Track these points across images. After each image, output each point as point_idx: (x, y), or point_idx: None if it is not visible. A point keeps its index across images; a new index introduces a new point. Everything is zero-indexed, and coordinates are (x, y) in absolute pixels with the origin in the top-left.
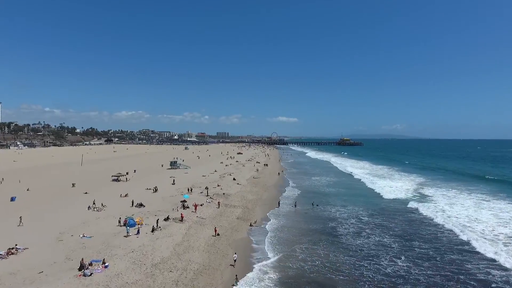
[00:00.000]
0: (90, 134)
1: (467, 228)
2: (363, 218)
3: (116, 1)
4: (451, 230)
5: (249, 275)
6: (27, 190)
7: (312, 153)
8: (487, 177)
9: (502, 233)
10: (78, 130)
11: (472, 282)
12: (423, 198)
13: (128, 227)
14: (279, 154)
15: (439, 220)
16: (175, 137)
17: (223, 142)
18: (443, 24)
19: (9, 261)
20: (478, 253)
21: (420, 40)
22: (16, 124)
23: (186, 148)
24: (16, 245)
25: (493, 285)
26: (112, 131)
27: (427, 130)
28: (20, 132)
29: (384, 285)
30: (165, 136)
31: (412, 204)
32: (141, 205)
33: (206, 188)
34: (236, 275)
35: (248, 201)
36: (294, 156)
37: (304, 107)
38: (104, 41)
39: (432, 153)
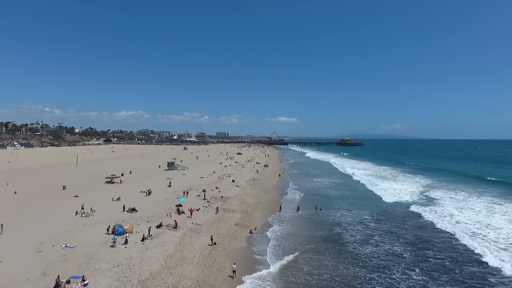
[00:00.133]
0: (89, 134)
1: (479, 235)
2: (369, 223)
3: (116, 1)
4: (465, 238)
5: None
6: (15, 193)
7: (312, 154)
8: (491, 178)
9: None
10: (77, 130)
11: None
12: (430, 201)
13: (115, 236)
14: (279, 155)
15: (451, 226)
16: (175, 137)
17: (222, 142)
18: (443, 24)
19: None
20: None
21: (420, 40)
22: (14, 124)
23: (185, 149)
24: None
25: None
26: (111, 131)
27: (427, 130)
28: (17, 132)
29: None
30: (165, 136)
31: (419, 208)
32: (133, 210)
33: (204, 190)
34: None
35: (247, 205)
36: (294, 156)
37: (304, 107)
38: (104, 41)
39: (433, 154)
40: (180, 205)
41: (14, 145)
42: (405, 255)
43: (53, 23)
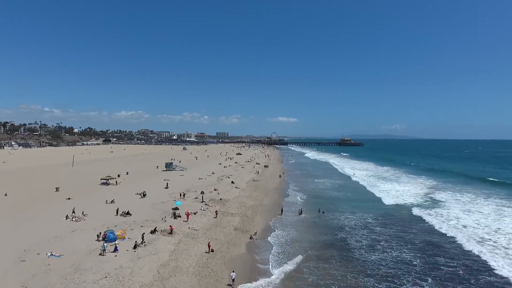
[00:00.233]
0: (88, 134)
1: (489, 241)
2: (374, 228)
3: (116, 1)
4: (475, 244)
5: None
6: (5, 195)
7: (313, 154)
8: (496, 179)
9: None
10: (76, 130)
11: None
12: (435, 203)
13: (105, 243)
14: (280, 155)
15: (458, 230)
16: (174, 137)
17: (222, 142)
18: (443, 24)
19: None
20: None
21: (420, 40)
22: (12, 124)
23: (184, 149)
24: None
25: None
26: (110, 131)
27: (426, 130)
28: (16, 132)
29: None
30: (164, 136)
31: (425, 211)
32: (127, 213)
33: (202, 192)
34: None
35: (247, 207)
36: (295, 156)
37: (304, 107)
38: (104, 41)
39: (434, 154)
40: (176, 208)
41: (11, 145)
42: (414, 263)
43: (53, 23)
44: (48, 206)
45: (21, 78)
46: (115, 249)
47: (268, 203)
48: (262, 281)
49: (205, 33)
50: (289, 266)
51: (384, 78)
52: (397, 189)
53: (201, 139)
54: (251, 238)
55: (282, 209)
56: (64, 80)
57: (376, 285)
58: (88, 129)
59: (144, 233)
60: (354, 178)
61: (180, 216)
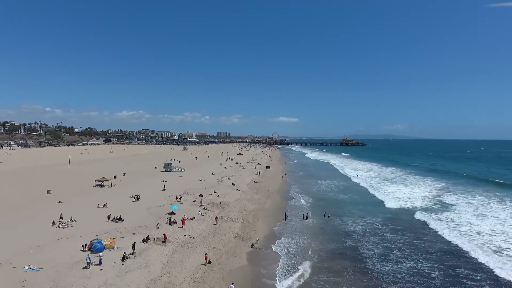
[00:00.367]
0: (88, 134)
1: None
2: (385, 234)
3: (116, 1)
4: (499, 253)
5: None
6: None
7: (315, 154)
8: (507, 182)
9: None
10: (76, 130)
11: None
12: (446, 207)
13: (90, 254)
14: (281, 155)
15: (479, 237)
16: (175, 137)
17: (223, 142)
18: (443, 24)
19: None
20: None
21: (420, 40)
22: (11, 124)
23: (184, 149)
24: None
25: None
26: (111, 131)
27: (427, 131)
28: (15, 132)
29: None
30: (165, 136)
31: (436, 215)
32: (119, 219)
33: (201, 195)
34: None
35: (248, 212)
36: (297, 157)
37: (305, 107)
38: (104, 41)
39: (437, 154)
40: (172, 213)
41: (10, 145)
42: (433, 275)
43: (53, 23)
44: (35, 211)
45: (22, 78)
46: (100, 262)
47: (270, 207)
48: None
49: (206, 33)
50: (295, 280)
51: (384, 78)
52: (404, 191)
53: (202, 139)
54: (252, 246)
55: (286, 214)
56: (65, 80)
57: None
58: (88, 129)
59: (135, 242)
60: (358, 180)
61: (176, 222)
